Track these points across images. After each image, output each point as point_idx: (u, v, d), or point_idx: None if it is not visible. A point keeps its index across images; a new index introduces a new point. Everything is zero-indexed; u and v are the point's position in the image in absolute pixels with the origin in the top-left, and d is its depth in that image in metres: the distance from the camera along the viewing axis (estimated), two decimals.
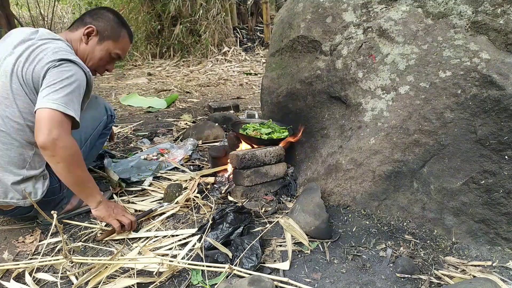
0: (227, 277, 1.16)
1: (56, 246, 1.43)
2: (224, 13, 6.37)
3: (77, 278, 1.21)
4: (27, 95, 1.28)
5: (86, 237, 1.49)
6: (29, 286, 1.19)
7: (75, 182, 1.32)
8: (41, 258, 1.28)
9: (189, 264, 1.18)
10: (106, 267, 1.19)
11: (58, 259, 1.25)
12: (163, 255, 1.27)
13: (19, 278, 1.24)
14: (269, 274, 1.19)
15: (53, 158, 1.23)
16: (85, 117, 1.51)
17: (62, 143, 1.21)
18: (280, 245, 1.37)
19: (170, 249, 1.36)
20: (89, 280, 1.17)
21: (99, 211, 1.40)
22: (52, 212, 1.05)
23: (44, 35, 1.37)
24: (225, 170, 1.95)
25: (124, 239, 1.44)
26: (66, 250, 1.12)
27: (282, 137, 1.87)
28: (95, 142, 1.67)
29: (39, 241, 1.46)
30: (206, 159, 2.22)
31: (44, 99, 1.21)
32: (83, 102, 1.35)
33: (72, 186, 1.33)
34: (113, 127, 1.82)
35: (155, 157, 2.22)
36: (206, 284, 1.15)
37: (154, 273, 1.20)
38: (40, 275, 1.24)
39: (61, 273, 1.22)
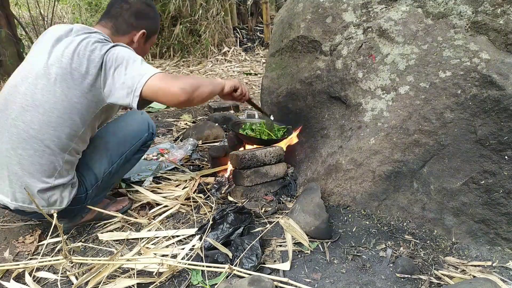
0: (227, 277, 1.16)
1: (56, 246, 1.43)
2: (224, 13, 6.37)
3: (77, 278, 1.21)
4: (72, 99, 1.24)
5: (86, 237, 1.49)
6: (29, 286, 1.18)
7: (213, 92, 1.39)
8: (40, 258, 1.28)
9: (189, 264, 1.18)
10: (106, 267, 1.19)
11: (58, 259, 1.25)
12: (163, 255, 1.27)
13: (19, 278, 1.24)
14: (269, 274, 1.19)
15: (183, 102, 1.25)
16: (127, 131, 1.56)
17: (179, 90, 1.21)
18: (280, 245, 1.36)
19: (168, 248, 1.36)
20: (89, 280, 1.16)
21: (228, 85, 1.48)
22: (52, 211, 1.06)
23: (79, 30, 1.33)
24: (225, 170, 1.96)
25: (124, 239, 1.44)
26: (66, 250, 1.12)
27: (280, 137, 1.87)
28: (131, 157, 1.61)
29: (39, 241, 1.46)
30: (206, 159, 2.22)
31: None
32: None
33: (206, 96, 1.37)
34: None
35: (155, 157, 2.22)
36: (206, 284, 1.15)
37: (154, 273, 1.20)
38: (41, 274, 1.24)
39: (61, 273, 1.22)
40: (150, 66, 1.25)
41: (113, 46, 1.27)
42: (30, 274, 1.23)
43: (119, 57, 1.23)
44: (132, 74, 1.21)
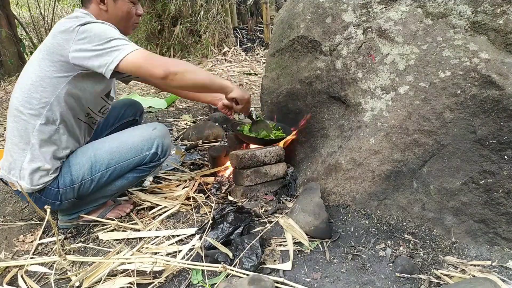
0: (227, 276, 1.17)
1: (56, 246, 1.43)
2: (224, 13, 6.38)
3: (75, 276, 1.21)
4: None
5: (86, 236, 1.50)
6: (21, 286, 1.18)
7: (203, 85, 1.39)
8: (36, 258, 1.28)
9: (184, 263, 1.18)
10: (101, 265, 1.18)
11: (52, 258, 1.24)
12: (163, 255, 1.27)
13: (16, 278, 1.23)
14: (269, 273, 1.19)
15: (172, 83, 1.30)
16: (124, 144, 1.47)
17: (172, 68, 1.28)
18: (280, 245, 1.37)
19: (169, 248, 1.36)
20: (86, 279, 1.16)
21: (235, 93, 1.48)
22: (46, 206, 1.05)
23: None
24: (225, 170, 1.96)
25: (124, 239, 1.44)
26: (61, 249, 1.11)
27: (280, 137, 1.87)
28: (125, 173, 1.51)
29: (39, 241, 1.47)
30: (206, 159, 2.22)
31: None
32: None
33: (204, 89, 1.46)
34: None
35: None
36: (206, 284, 1.15)
37: (148, 272, 1.19)
38: (34, 268, 1.24)
39: (60, 272, 1.22)
40: (126, 41, 1.29)
41: (90, 22, 1.29)
42: (24, 273, 1.23)
43: (94, 30, 1.27)
44: (109, 47, 1.25)
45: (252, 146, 1.90)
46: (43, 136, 1.35)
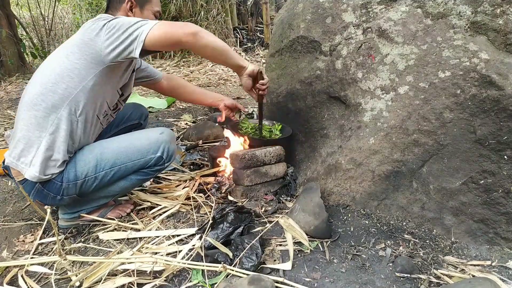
0: (227, 276, 1.17)
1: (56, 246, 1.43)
2: (224, 14, 6.38)
3: (75, 276, 1.22)
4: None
5: (87, 236, 1.50)
6: (21, 286, 1.18)
7: (223, 50, 1.43)
8: (37, 258, 1.28)
9: (184, 263, 1.18)
10: (101, 265, 1.18)
11: (52, 258, 1.25)
12: (163, 255, 1.28)
13: (16, 280, 1.23)
14: (268, 273, 1.20)
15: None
16: (132, 145, 1.49)
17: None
18: (280, 245, 1.37)
19: (169, 248, 1.36)
20: (86, 279, 1.17)
21: (251, 69, 1.53)
22: (46, 207, 1.06)
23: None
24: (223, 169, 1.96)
25: (124, 239, 1.45)
26: (61, 249, 1.12)
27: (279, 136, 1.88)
28: (129, 175, 1.51)
29: (39, 240, 1.47)
30: (206, 159, 2.22)
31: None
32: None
33: (222, 56, 1.45)
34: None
35: None
36: (206, 283, 1.16)
37: (148, 272, 1.19)
38: (34, 268, 1.24)
39: (60, 272, 1.22)
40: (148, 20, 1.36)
41: (115, 18, 1.37)
42: (25, 273, 1.23)
43: (120, 21, 1.34)
44: (134, 27, 1.32)
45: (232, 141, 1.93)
46: (63, 126, 1.37)
